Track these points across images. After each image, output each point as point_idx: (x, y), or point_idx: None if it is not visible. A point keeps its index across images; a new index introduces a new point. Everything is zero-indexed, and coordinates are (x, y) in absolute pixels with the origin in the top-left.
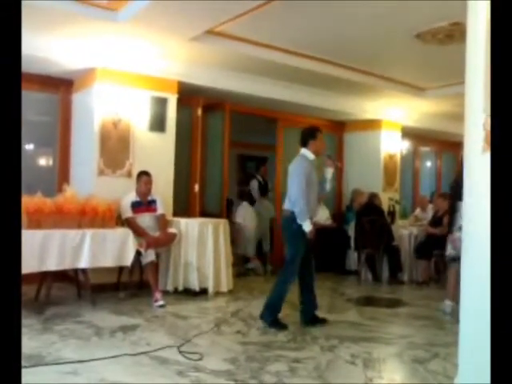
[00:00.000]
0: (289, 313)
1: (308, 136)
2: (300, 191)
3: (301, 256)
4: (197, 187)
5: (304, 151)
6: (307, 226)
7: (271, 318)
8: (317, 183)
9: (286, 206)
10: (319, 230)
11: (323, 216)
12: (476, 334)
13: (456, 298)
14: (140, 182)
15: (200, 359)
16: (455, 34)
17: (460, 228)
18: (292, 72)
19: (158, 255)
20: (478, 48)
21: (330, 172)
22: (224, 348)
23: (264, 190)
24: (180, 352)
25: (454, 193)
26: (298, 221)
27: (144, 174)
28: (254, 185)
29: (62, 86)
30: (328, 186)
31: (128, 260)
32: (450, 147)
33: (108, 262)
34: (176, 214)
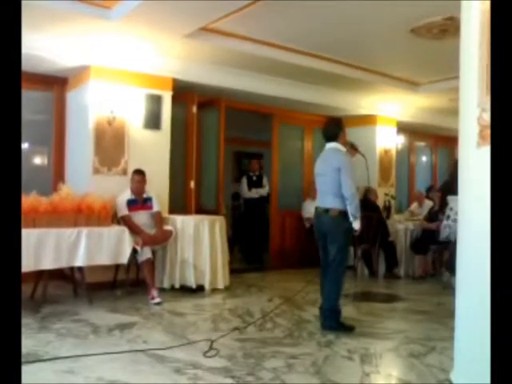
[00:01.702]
0: (285, 309)
1: (338, 129)
2: (353, 187)
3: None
4: (192, 184)
5: (335, 145)
6: (358, 224)
7: (336, 322)
8: None
9: (331, 204)
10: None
11: None
12: (471, 327)
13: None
14: (132, 181)
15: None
16: (449, 28)
17: (448, 217)
18: (286, 68)
19: (154, 253)
20: (472, 43)
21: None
22: (221, 345)
23: (256, 184)
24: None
25: (447, 188)
26: (352, 218)
27: (136, 173)
28: (243, 181)
29: (56, 84)
30: None
31: (124, 258)
32: (445, 142)
33: (104, 260)
34: (172, 211)
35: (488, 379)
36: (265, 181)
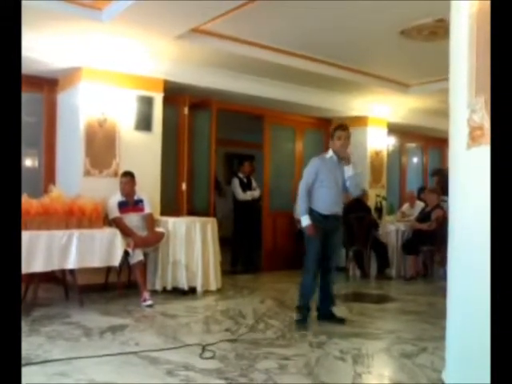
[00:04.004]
0: (278, 311)
1: (330, 136)
2: (301, 187)
3: (315, 252)
4: (184, 186)
5: (328, 151)
6: (303, 221)
7: (299, 316)
8: (335, 181)
9: None
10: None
11: None
12: (463, 328)
13: None
14: (120, 183)
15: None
16: (439, 30)
17: None
18: (278, 69)
19: (145, 255)
20: (461, 45)
21: (348, 170)
22: (213, 346)
23: (247, 187)
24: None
25: None
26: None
27: (123, 175)
28: (235, 183)
29: (47, 85)
30: (348, 184)
31: (116, 260)
32: (436, 143)
33: (96, 262)
34: (163, 213)
35: (480, 378)
36: (254, 183)
